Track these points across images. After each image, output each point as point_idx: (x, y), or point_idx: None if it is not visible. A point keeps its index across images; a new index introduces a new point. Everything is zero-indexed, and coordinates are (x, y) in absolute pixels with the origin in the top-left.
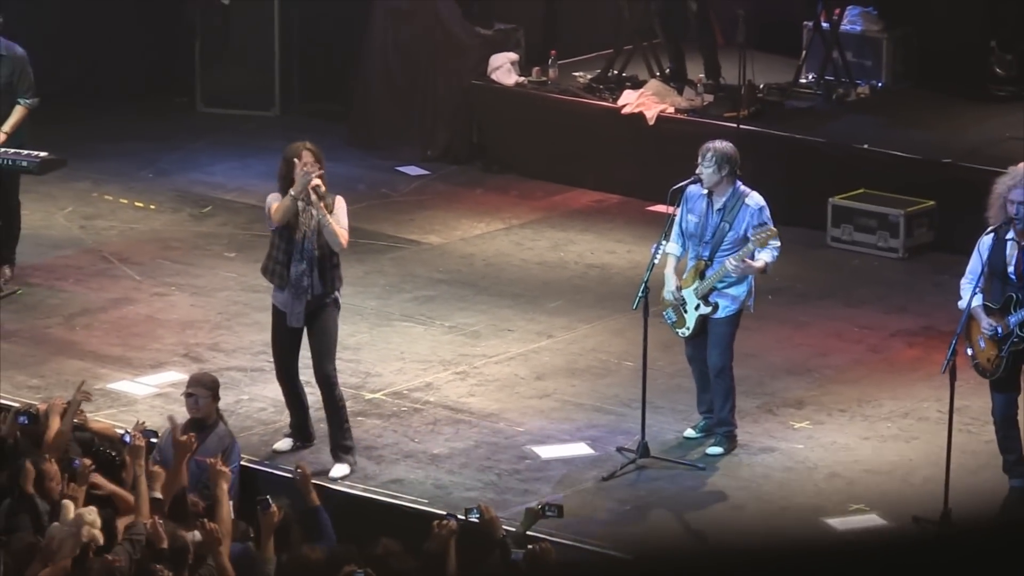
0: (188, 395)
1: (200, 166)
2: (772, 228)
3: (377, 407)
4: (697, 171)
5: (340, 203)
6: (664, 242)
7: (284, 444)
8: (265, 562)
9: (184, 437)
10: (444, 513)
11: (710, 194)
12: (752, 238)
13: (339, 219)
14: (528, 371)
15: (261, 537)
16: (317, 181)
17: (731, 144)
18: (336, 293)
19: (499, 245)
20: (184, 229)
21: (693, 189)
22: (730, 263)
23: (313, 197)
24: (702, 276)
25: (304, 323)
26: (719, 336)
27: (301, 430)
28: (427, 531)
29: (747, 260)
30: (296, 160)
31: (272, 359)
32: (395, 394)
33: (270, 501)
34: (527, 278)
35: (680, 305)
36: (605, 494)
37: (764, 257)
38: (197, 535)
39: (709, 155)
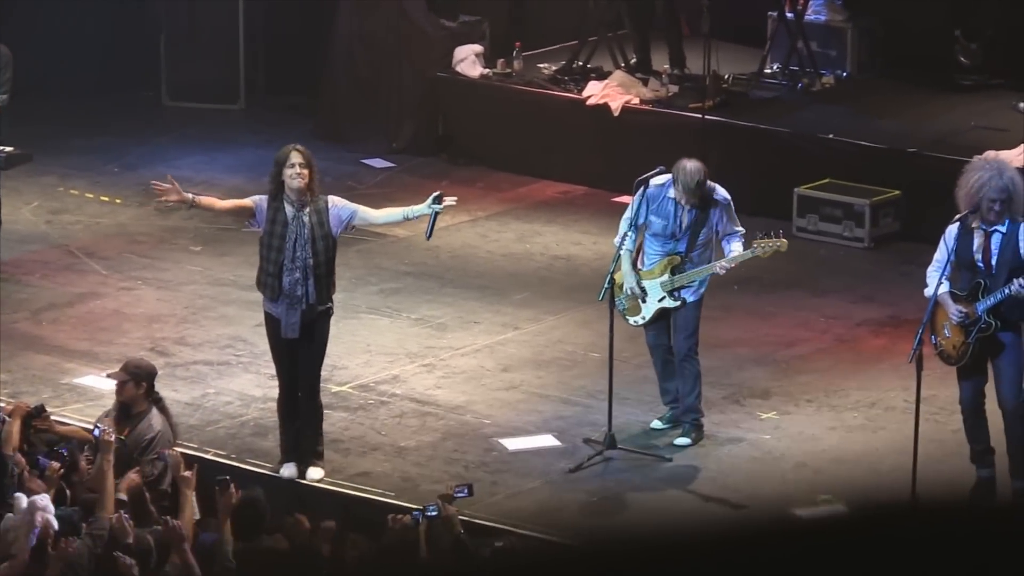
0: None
1: (166, 160)
2: (783, 240)
3: (344, 400)
4: (686, 203)
5: (338, 199)
6: (630, 233)
7: (290, 470)
8: (223, 543)
9: (107, 434)
10: (398, 504)
11: (678, 195)
12: (758, 244)
13: (348, 205)
14: (494, 363)
15: (219, 517)
16: (300, 183)
17: (697, 162)
18: (330, 303)
19: (465, 237)
20: (150, 223)
21: (655, 189)
22: (720, 267)
23: (305, 213)
24: (672, 271)
25: (299, 334)
26: (686, 320)
27: (296, 448)
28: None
29: (734, 264)
30: (285, 164)
31: (275, 370)
32: (361, 387)
33: (229, 481)
34: (493, 270)
35: (638, 295)
36: (572, 486)
37: (737, 248)
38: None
39: (695, 185)
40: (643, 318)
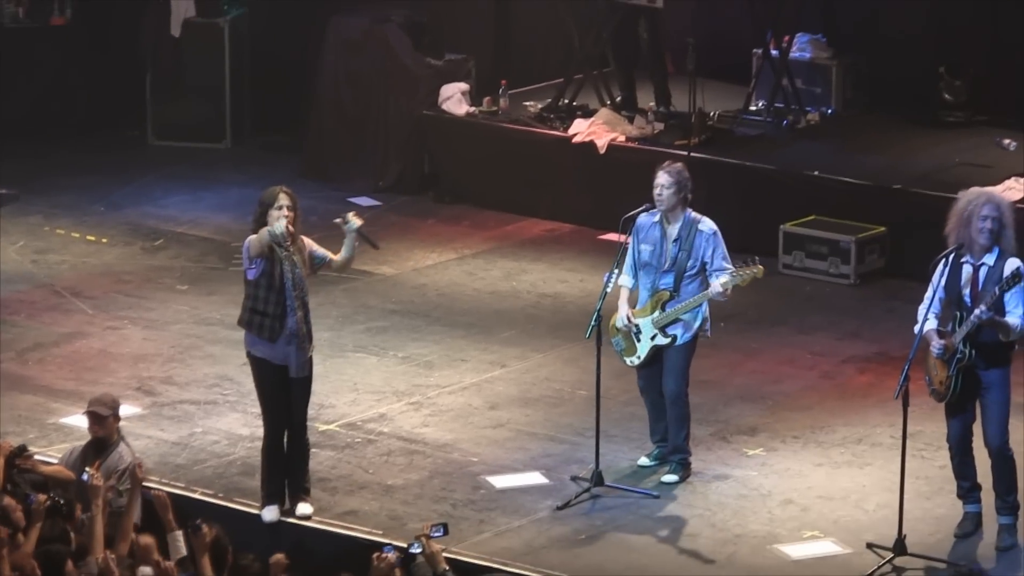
0: (89, 414)
1: (152, 199)
2: (759, 267)
3: (331, 438)
4: (656, 194)
5: (311, 241)
6: (616, 271)
7: (273, 514)
8: None
9: (95, 478)
10: (386, 543)
11: (663, 223)
12: (734, 274)
13: (319, 249)
14: (482, 401)
15: (196, 558)
16: (283, 225)
17: (683, 165)
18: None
19: (452, 275)
20: (136, 262)
21: (644, 219)
22: (714, 291)
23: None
24: (662, 307)
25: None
26: (675, 363)
27: (281, 492)
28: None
29: (727, 291)
30: (272, 205)
31: (263, 414)
32: (349, 425)
33: (200, 524)
34: (480, 308)
35: (633, 334)
36: (560, 523)
37: (725, 280)
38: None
39: (667, 175)
40: (638, 358)
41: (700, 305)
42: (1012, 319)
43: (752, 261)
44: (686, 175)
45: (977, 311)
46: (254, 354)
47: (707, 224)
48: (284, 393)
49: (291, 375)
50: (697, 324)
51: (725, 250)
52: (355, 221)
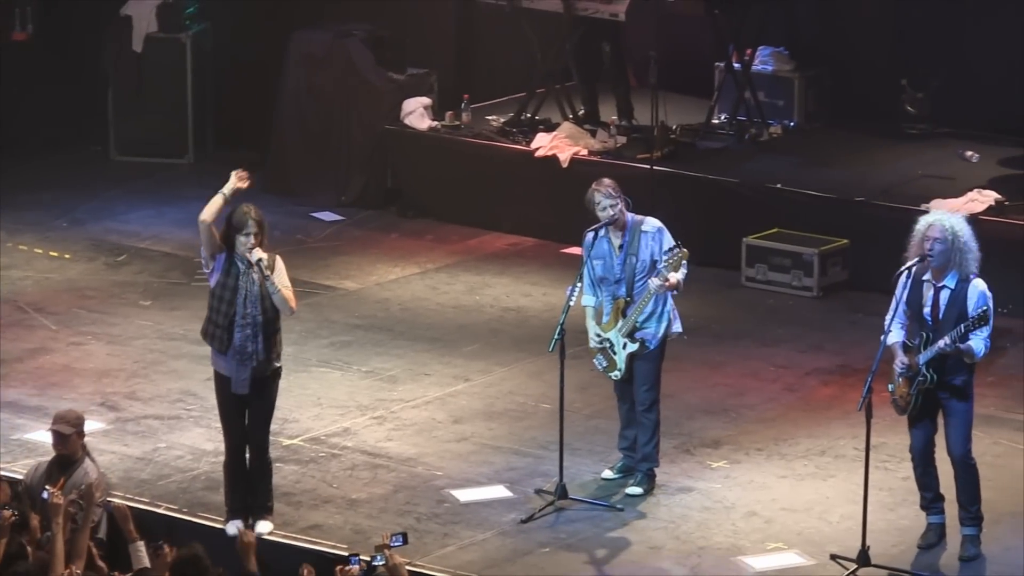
0: (53, 432)
1: (115, 215)
2: (683, 250)
3: (295, 453)
4: (611, 215)
5: (280, 264)
6: (579, 284)
7: (237, 528)
8: None
9: (56, 496)
10: (347, 555)
11: (609, 235)
12: (664, 263)
13: (282, 281)
14: (446, 415)
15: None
16: (260, 255)
17: (609, 179)
18: (279, 361)
19: (415, 289)
20: (100, 278)
21: (591, 235)
22: (652, 283)
23: (255, 270)
24: (624, 314)
25: (249, 390)
26: (645, 373)
27: (243, 506)
28: None
29: (668, 278)
30: (241, 231)
31: (222, 429)
32: (313, 440)
33: (161, 544)
34: (443, 322)
35: (608, 349)
36: (524, 536)
37: (677, 276)
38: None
39: (607, 198)
40: (620, 371)
41: (656, 302)
42: (976, 343)
43: (678, 245)
44: (616, 185)
45: (941, 343)
46: (214, 368)
47: (650, 223)
48: (240, 410)
49: (232, 389)
50: (663, 326)
51: (670, 240)
52: (256, 254)
